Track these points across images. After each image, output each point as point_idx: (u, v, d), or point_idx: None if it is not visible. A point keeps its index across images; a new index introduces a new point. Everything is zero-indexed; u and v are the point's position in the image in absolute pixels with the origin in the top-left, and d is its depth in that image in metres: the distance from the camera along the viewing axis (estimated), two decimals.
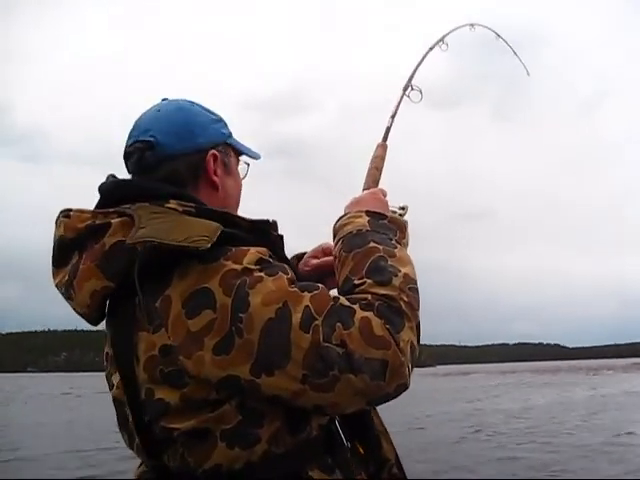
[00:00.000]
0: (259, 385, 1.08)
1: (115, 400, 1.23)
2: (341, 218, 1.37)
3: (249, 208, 1.42)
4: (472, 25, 1.92)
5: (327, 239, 1.45)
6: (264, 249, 1.18)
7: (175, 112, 1.35)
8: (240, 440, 1.12)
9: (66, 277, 1.23)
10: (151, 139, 1.30)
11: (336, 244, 1.32)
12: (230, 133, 1.43)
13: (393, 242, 1.28)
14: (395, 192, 1.50)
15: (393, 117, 1.69)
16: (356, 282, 1.18)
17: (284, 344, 1.07)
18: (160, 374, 1.13)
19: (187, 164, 1.32)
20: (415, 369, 1.15)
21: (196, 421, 1.12)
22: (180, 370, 1.11)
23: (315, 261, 1.55)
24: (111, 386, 1.24)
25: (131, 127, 1.37)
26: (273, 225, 1.31)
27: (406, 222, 1.37)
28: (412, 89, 1.73)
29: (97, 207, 1.27)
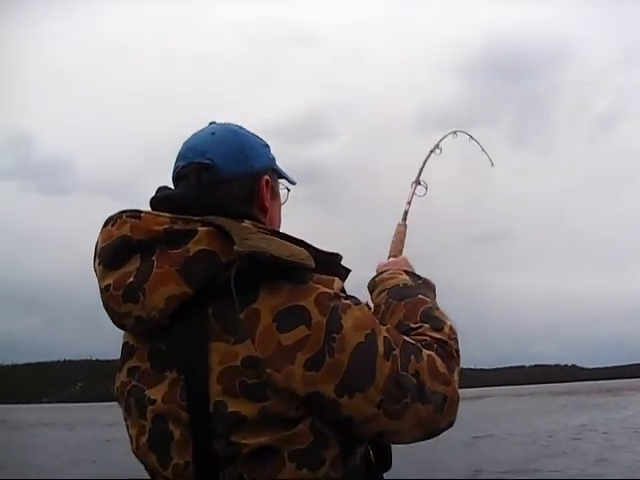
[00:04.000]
0: (340, 405, 1.12)
1: (158, 416, 1.16)
2: (381, 273, 1.52)
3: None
4: (455, 132, 2.15)
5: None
6: (340, 280, 1.23)
7: (230, 136, 1.36)
8: (309, 461, 1.13)
9: (131, 279, 1.17)
10: (208, 161, 1.30)
11: (379, 294, 1.45)
12: (275, 158, 1.44)
13: (433, 298, 1.42)
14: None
15: (409, 203, 1.94)
16: (412, 326, 1.30)
17: (370, 368, 1.13)
18: (240, 386, 1.11)
19: (242, 188, 1.32)
20: None
21: (270, 438, 1.11)
22: (264, 383, 1.11)
23: None
24: (150, 401, 1.17)
25: (181, 149, 1.36)
26: (340, 259, 1.32)
27: (435, 285, 1.50)
28: (419, 184, 1.98)
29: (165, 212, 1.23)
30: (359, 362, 1.12)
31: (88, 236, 1.26)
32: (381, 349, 1.14)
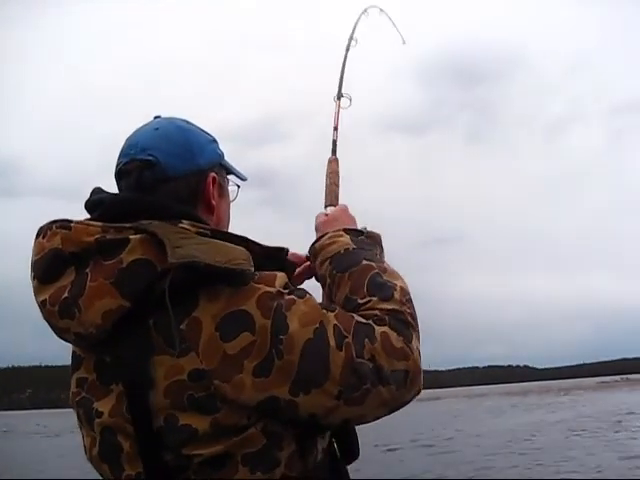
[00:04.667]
0: (297, 404, 1.10)
1: (106, 428, 1.14)
2: (321, 238, 1.38)
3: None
4: (365, 10, 1.94)
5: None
6: (284, 274, 1.18)
7: (175, 131, 1.30)
8: (263, 464, 1.11)
9: (65, 294, 1.12)
10: (151, 158, 1.24)
11: (322, 264, 1.34)
12: (223, 154, 1.39)
13: (379, 257, 1.33)
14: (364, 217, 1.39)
15: (336, 129, 1.69)
16: (360, 301, 1.22)
17: (323, 363, 1.09)
18: (188, 400, 1.08)
19: (187, 187, 1.27)
20: None
21: (223, 446, 1.09)
22: (213, 395, 1.08)
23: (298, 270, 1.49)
24: (98, 414, 1.15)
25: (123, 144, 1.31)
26: (286, 253, 1.30)
27: (380, 235, 1.40)
28: (342, 96, 1.73)
29: (97, 221, 1.17)
30: (310, 359, 1.09)
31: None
32: (332, 340, 1.10)
